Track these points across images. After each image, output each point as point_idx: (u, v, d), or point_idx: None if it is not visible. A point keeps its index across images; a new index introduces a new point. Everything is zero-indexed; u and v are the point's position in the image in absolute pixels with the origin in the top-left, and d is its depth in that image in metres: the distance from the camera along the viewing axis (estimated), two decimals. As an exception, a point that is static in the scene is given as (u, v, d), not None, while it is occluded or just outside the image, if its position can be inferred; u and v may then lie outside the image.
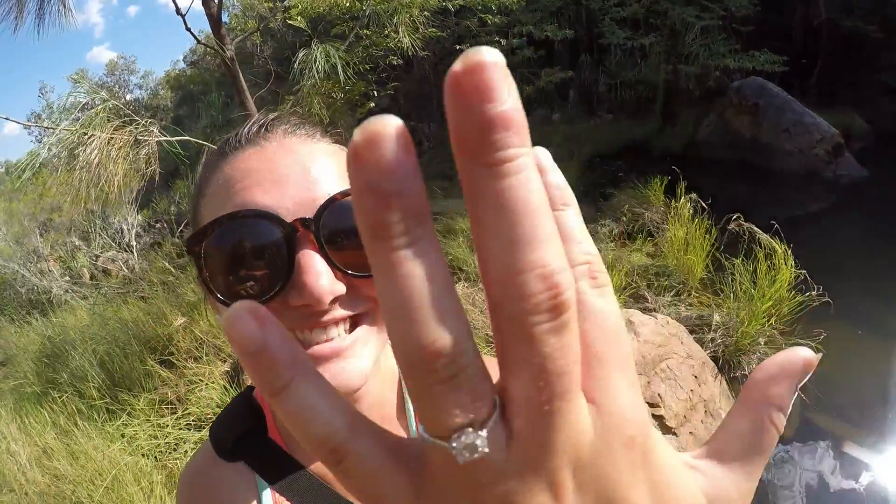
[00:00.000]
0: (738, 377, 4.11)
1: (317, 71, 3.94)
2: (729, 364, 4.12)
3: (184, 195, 9.71)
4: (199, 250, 0.57)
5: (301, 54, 4.01)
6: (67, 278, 8.44)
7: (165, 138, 3.60)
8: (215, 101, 11.74)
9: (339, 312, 0.59)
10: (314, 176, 0.60)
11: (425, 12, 7.00)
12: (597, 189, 7.09)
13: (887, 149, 10.68)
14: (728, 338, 4.12)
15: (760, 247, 4.40)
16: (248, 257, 0.56)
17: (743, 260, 4.39)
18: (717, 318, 4.20)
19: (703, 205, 5.07)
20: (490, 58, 0.17)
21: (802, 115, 9.95)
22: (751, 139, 10.20)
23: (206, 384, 4.02)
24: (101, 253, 9.08)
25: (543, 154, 0.25)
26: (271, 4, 6.83)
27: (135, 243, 9.01)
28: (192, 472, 0.74)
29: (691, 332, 4.10)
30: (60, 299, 7.57)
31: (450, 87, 0.18)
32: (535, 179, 0.19)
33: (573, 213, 0.25)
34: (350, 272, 0.58)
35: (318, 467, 0.70)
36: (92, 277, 8.62)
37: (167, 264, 6.63)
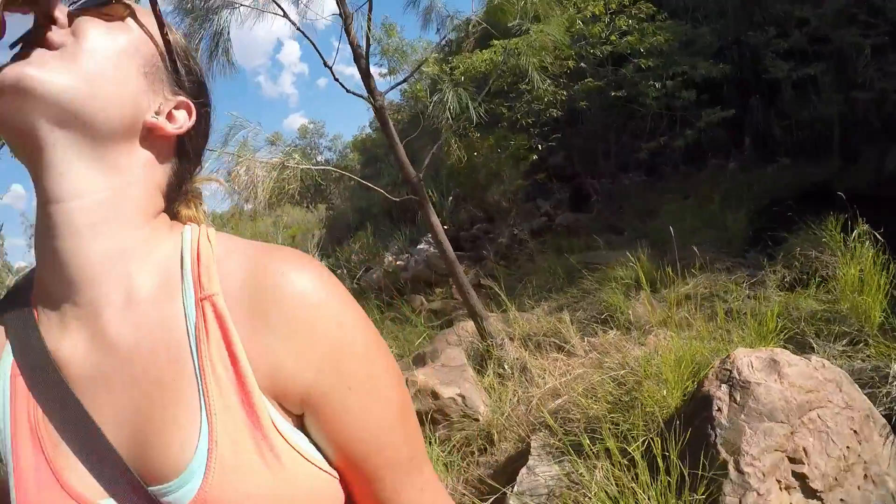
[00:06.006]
0: (919, 442, 3.33)
1: (449, 110, 4.29)
2: (906, 424, 3.36)
3: (364, 246, 10.73)
4: None
5: (435, 98, 4.42)
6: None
7: (305, 166, 4.16)
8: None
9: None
10: None
11: (568, 61, 7.10)
12: (767, 234, 6.41)
13: None
14: (910, 394, 3.39)
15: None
16: None
17: (938, 304, 3.64)
18: (895, 368, 3.51)
19: (879, 237, 4.28)
20: None
21: None
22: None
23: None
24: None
25: None
26: (440, 68, 7.45)
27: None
28: None
29: (864, 385, 3.42)
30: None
31: None
32: None
33: None
34: None
35: (58, 352, 0.56)
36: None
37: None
